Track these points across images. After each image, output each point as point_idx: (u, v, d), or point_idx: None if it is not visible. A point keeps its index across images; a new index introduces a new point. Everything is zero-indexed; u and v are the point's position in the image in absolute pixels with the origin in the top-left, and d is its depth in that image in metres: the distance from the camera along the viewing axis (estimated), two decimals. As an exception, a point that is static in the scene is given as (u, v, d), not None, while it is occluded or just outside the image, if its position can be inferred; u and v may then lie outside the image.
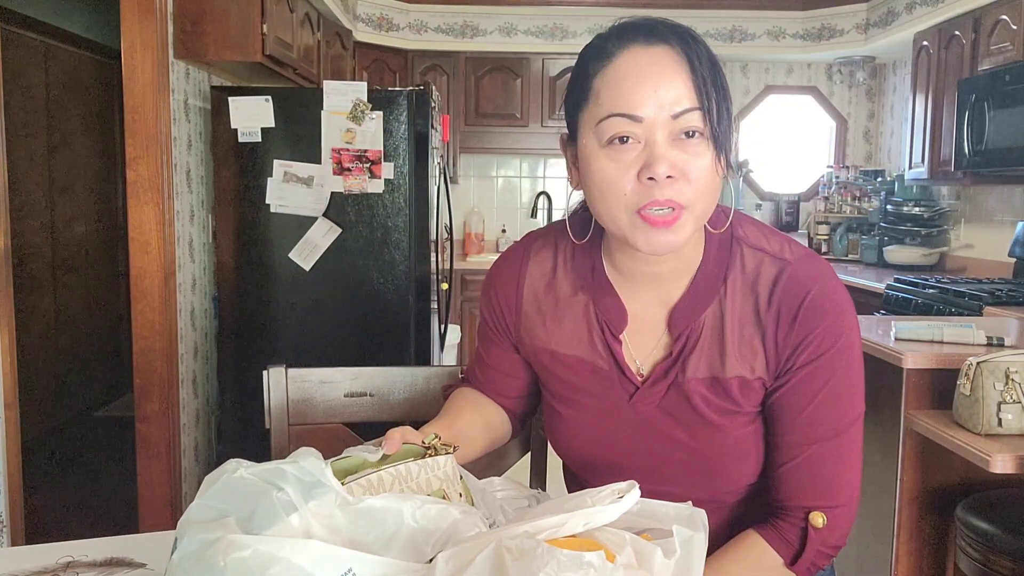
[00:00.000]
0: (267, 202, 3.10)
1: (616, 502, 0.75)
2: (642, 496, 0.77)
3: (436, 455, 0.89)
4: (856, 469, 0.95)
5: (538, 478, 1.39)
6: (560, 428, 1.05)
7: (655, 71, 0.83)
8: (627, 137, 0.84)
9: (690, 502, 0.80)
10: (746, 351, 0.93)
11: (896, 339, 2.24)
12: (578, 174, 0.92)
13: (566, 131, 0.95)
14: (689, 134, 0.83)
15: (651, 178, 0.83)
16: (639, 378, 0.98)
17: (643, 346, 0.98)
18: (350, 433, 1.39)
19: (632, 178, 0.84)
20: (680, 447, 0.98)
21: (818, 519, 0.92)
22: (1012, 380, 1.83)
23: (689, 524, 0.76)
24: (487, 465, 1.25)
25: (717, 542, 0.95)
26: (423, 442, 0.91)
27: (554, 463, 1.22)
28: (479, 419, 1.10)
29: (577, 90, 0.89)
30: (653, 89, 0.83)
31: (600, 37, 0.90)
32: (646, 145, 0.83)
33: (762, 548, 0.94)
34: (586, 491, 0.79)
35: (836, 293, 0.92)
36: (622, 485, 0.78)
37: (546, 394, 1.08)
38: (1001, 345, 2.12)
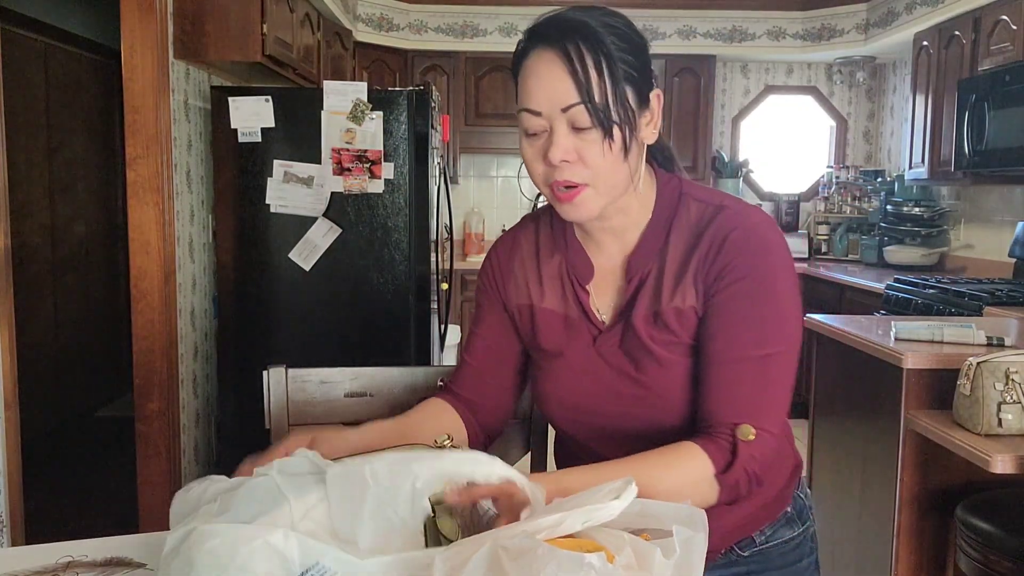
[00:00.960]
0: (267, 202, 3.11)
1: (614, 500, 0.75)
2: (616, 440, 0.83)
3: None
4: (781, 402, 1.01)
5: (538, 478, 1.39)
6: (542, 382, 1.14)
7: (546, 71, 0.95)
8: (534, 128, 0.97)
9: (688, 507, 0.81)
10: (681, 285, 1.03)
11: (896, 339, 2.24)
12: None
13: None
14: (580, 126, 0.95)
15: (552, 165, 0.97)
16: (602, 323, 1.08)
17: (606, 295, 1.09)
18: (350, 433, 1.39)
19: (542, 161, 0.98)
20: (637, 385, 1.05)
21: (748, 432, 0.96)
22: (1012, 380, 1.83)
23: (689, 524, 0.76)
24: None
25: None
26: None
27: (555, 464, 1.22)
28: (433, 423, 1.13)
29: (514, 83, 1.03)
30: (545, 87, 0.95)
31: (521, 38, 1.00)
32: (548, 134, 0.96)
33: (695, 452, 0.96)
34: (581, 494, 0.79)
35: (764, 232, 1.01)
36: (618, 483, 0.79)
37: (533, 355, 1.17)
38: (1001, 345, 2.12)
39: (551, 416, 1.15)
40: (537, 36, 0.96)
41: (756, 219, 1.02)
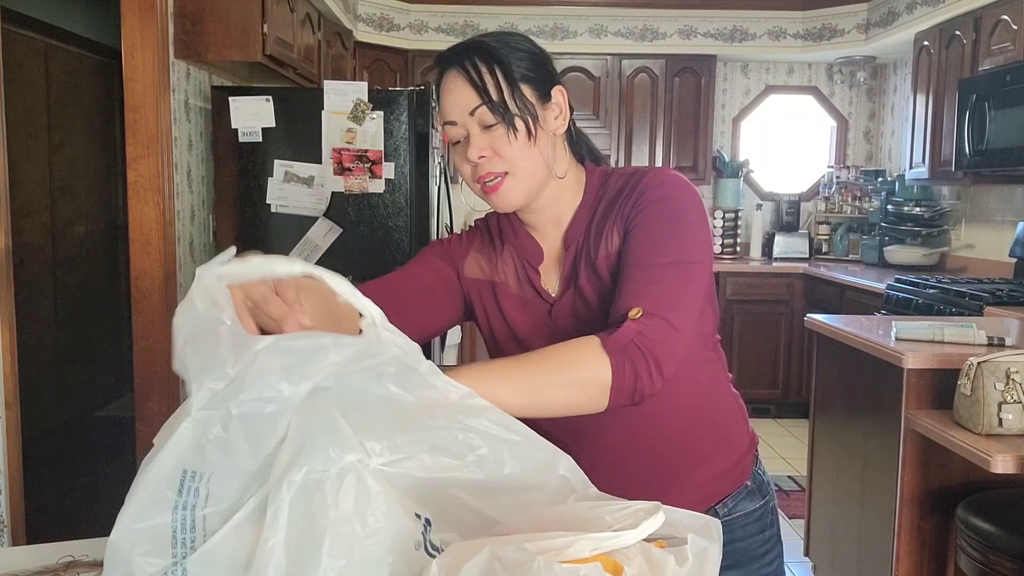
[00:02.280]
0: (268, 202, 3.11)
1: (633, 528, 0.72)
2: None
3: None
4: (686, 305, 1.05)
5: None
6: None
7: (452, 86, 1.10)
8: (455, 136, 1.11)
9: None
10: (606, 232, 1.14)
11: (897, 339, 2.24)
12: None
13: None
14: (487, 124, 1.08)
15: (472, 162, 1.10)
16: (551, 297, 1.18)
17: (555, 272, 1.20)
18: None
19: (466, 162, 1.11)
20: None
21: (637, 312, 1.01)
22: (1013, 380, 1.83)
23: (704, 534, 0.75)
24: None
25: (653, 440, 1.16)
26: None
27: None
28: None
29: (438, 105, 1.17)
30: (454, 99, 1.10)
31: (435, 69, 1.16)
32: (466, 138, 1.10)
33: (588, 339, 1.00)
34: (606, 504, 0.76)
35: (675, 178, 1.13)
36: (647, 506, 0.75)
37: (492, 339, 1.24)
38: (1002, 345, 2.12)
39: None
40: (443, 60, 1.12)
41: (669, 173, 1.14)
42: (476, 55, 1.10)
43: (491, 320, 1.23)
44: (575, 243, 1.17)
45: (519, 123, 1.08)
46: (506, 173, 1.10)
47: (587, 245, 1.15)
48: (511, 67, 1.09)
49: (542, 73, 1.13)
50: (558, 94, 1.13)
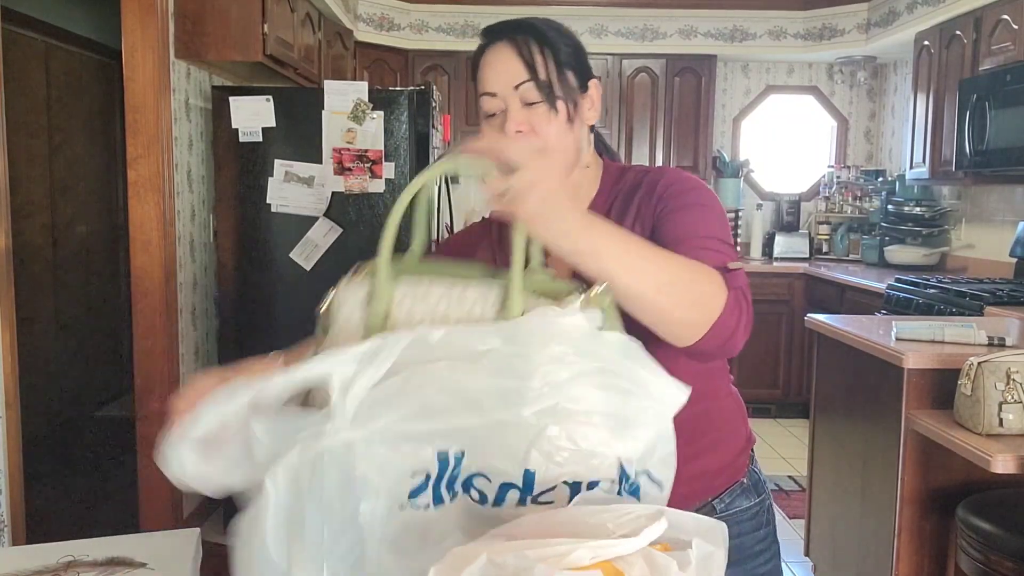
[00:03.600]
0: (268, 202, 3.11)
1: (635, 536, 0.72)
2: None
3: (578, 299, 0.83)
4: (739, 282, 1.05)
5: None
6: None
7: (500, 58, 1.11)
8: (492, 108, 1.11)
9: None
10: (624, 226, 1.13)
11: (897, 339, 2.24)
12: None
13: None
14: (530, 102, 1.09)
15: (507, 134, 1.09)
16: None
17: (566, 264, 1.20)
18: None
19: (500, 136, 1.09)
20: None
21: (734, 264, 1.03)
22: (1013, 380, 1.83)
23: (709, 538, 0.74)
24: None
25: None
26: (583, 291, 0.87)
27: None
28: None
29: (472, 78, 1.18)
30: (499, 71, 1.11)
31: (480, 42, 1.17)
32: (503, 112, 1.10)
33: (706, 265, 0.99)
34: (608, 510, 0.76)
35: (693, 177, 1.16)
36: (649, 511, 0.75)
37: None
38: (1002, 345, 2.12)
39: None
40: (492, 33, 1.13)
41: (686, 173, 1.17)
42: (528, 33, 1.11)
43: None
44: None
45: (561, 105, 1.10)
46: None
47: None
48: (559, 51, 1.11)
49: (582, 64, 1.15)
50: (594, 87, 1.15)
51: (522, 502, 0.78)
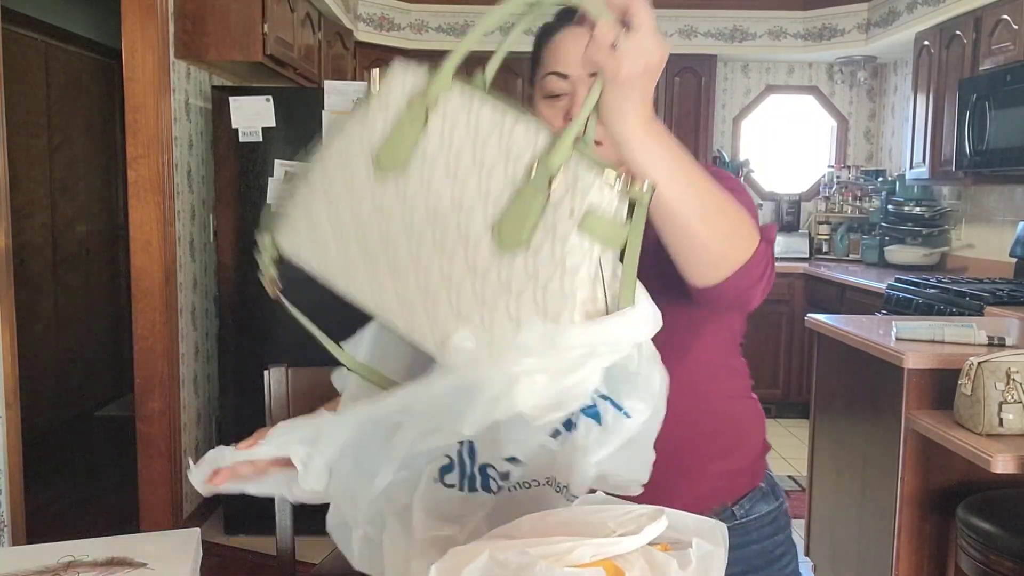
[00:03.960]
0: (268, 202, 3.11)
1: (635, 534, 0.72)
2: None
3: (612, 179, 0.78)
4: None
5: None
6: None
7: (577, 40, 1.02)
8: (558, 90, 1.08)
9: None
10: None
11: (897, 339, 2.24)
12: (534, 112, 1.15)
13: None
14: None
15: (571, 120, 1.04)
16: None
17: None
18: (351, 433, 1.39)
19: (563, 120, 1.07)
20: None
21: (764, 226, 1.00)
22: (1013, 380, 1.83)
23: (709, 538, 0.74)
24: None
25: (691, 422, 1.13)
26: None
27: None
28: None
29: (532, 58, 1.16)
30: (576, 53, 0.99)
31: (548, 21, 1.15)
32: (571, 97, 1.07)
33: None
34: (609, 508, 0.76)
35: (723, 171, 1.14)
36: (649, 511, 0.75)
37: None
38: (1002, 345, 2.11)
39: None
40: (569, 14, 1.07)
41: (721, 171, 1.16)
42: None
43: None
44: None
45: None
46: (598, 143, 1.04)
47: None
48: None
49: None
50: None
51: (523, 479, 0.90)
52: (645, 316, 0.78)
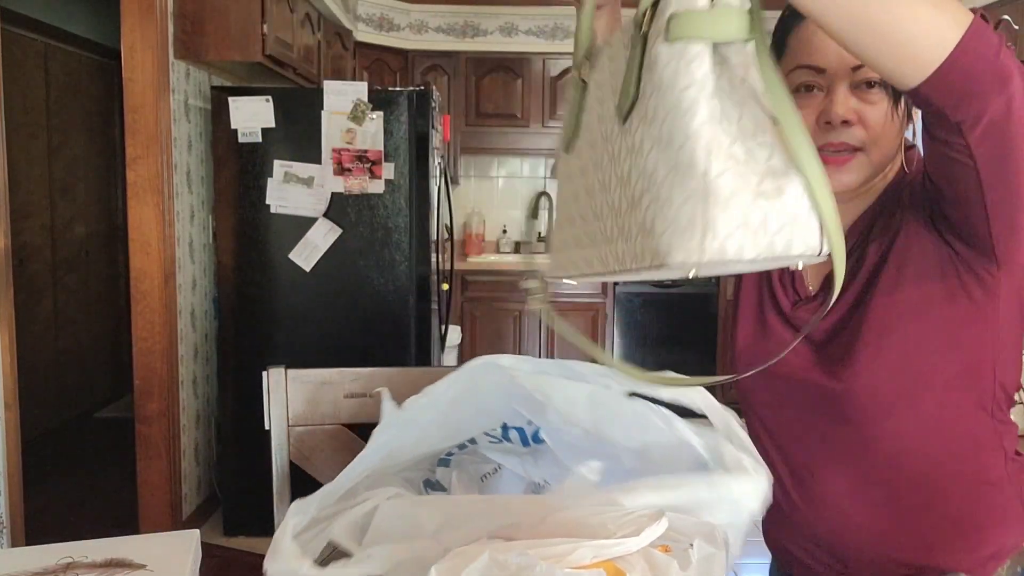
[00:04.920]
0: (267, 203, 3.10)
1: (635, 536, 0.72)
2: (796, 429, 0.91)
3: None
4: None
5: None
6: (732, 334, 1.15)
7: None
8: (811, 86, 0.95)
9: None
10: (896, 220, 0.96)
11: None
12: None
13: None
14: (869, 84, 0.92)
15: (828, 122, 0.94)
16: (807, 291, 1.05)
17: (817, 271, 1.05)
18: (350, 435, 1.39)
19: (811, 122, 0.95)
20: (833, 377, 1.01)
21: None
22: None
23: (710, 540, 0.74)
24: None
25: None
26: None
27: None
28: None
29: (774, 45, 1.00)
30: (833, 46, 0.89)
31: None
32: (827, 93, 0.94)
33: None
34: (609, 510, 0.75)
35: None
36: (650, 512, 0.75)
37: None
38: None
39: (743, 393, 1.11)
40: None
41: None
42: None
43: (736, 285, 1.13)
44: (855, 234, 0.99)
45: (902, 101, 0.92)
46: (858, 149, 0.94)
47: (861, 251, 0.97)
48: None
49: None
50: None
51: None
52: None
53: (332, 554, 0.82)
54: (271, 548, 0.79)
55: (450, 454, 0.98)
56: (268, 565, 0.77)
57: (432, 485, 0.97)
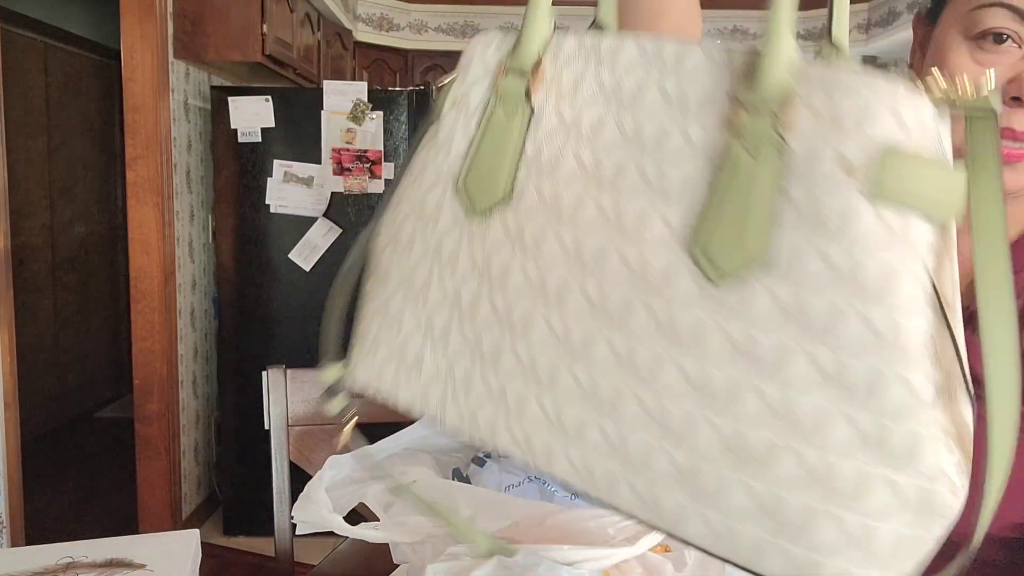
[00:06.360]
0: (267, 202, 3.10)
1: (630, 545, 0.70)
2: None
3: None
4: None
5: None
6: None
7: None
8: (1006, 36, 0.63)
9: None
10: None
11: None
12: (921, 63, 0.73)
13: (928, 3, 0.74)
14: None
15: (1016, 98, 0.64)
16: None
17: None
18: (350, 434, 1.39)
19: (999, 82, 0.64)
20: None
21: None
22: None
23: None
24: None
25: None
26: None
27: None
28: None
29: None
30: None
31: None
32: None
33: None
34: (607, 514, 0.73)
35: None
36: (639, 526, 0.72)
37: None
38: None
39: None
40: None
41: None
42: None
43: None
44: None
45: None
46: None
47: None
48: None
49: None
50: None
51: None
52: None
53: (355, 518, 0.83)
54: (303, 495, 0.78)
55: (488, 455, 0.97)
56: (298, 512, 0.73)
57: (459, 475, 0.96)
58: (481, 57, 0.49)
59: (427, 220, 0.50)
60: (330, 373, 0.58)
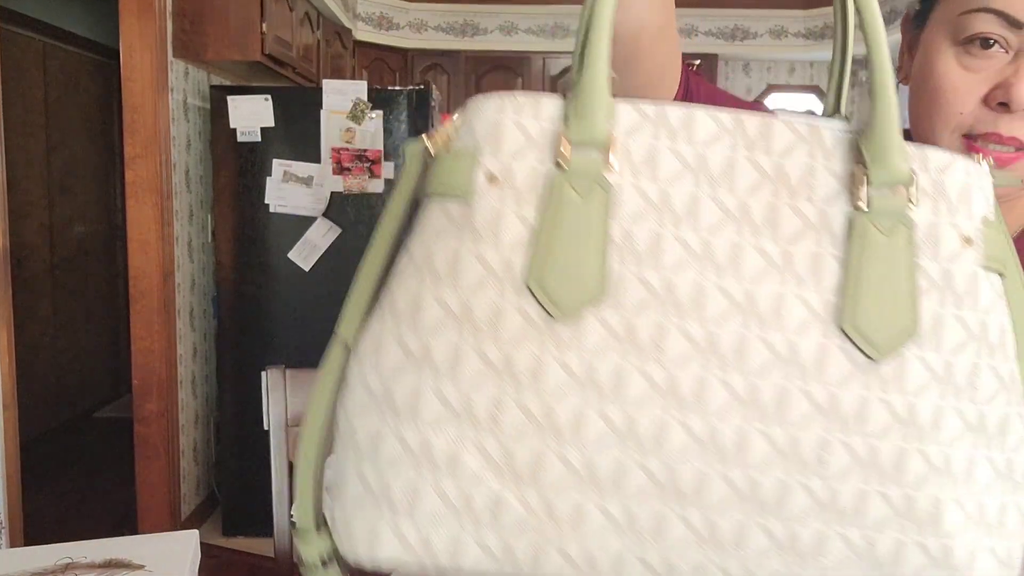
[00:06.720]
0: (266, 202, 3.10)
1: None
2: None
3: None
4: None
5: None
6: None
7: None
8: (993, 41, 0.64)
9: None
10: None
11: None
12: (910, 66, 0.74)
13: (916, 6, 0.76)
14: None
15: (1003, 103, 0.65)
16: None
17: None
18: (350, 434, 1.38)
19: (978, 96, 0.66)
20: None
21: None
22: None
23: None
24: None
25: None
26: None
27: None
28: None
29: None
30: None
31: None
32: (1014, 59, 0.64)
33: None
34: None
35: None
36: None
37: None
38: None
39: None
40: None
41: None
42: None
43: None
44: None
45: None
46: None
47: None
48: None
49: None
50: None
51: None
52: None
53: None
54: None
55: None
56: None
57: None
58: (516, 125, 0.41)
59: (479, 330, 0.40)
60: (313, 547, 0.43)
